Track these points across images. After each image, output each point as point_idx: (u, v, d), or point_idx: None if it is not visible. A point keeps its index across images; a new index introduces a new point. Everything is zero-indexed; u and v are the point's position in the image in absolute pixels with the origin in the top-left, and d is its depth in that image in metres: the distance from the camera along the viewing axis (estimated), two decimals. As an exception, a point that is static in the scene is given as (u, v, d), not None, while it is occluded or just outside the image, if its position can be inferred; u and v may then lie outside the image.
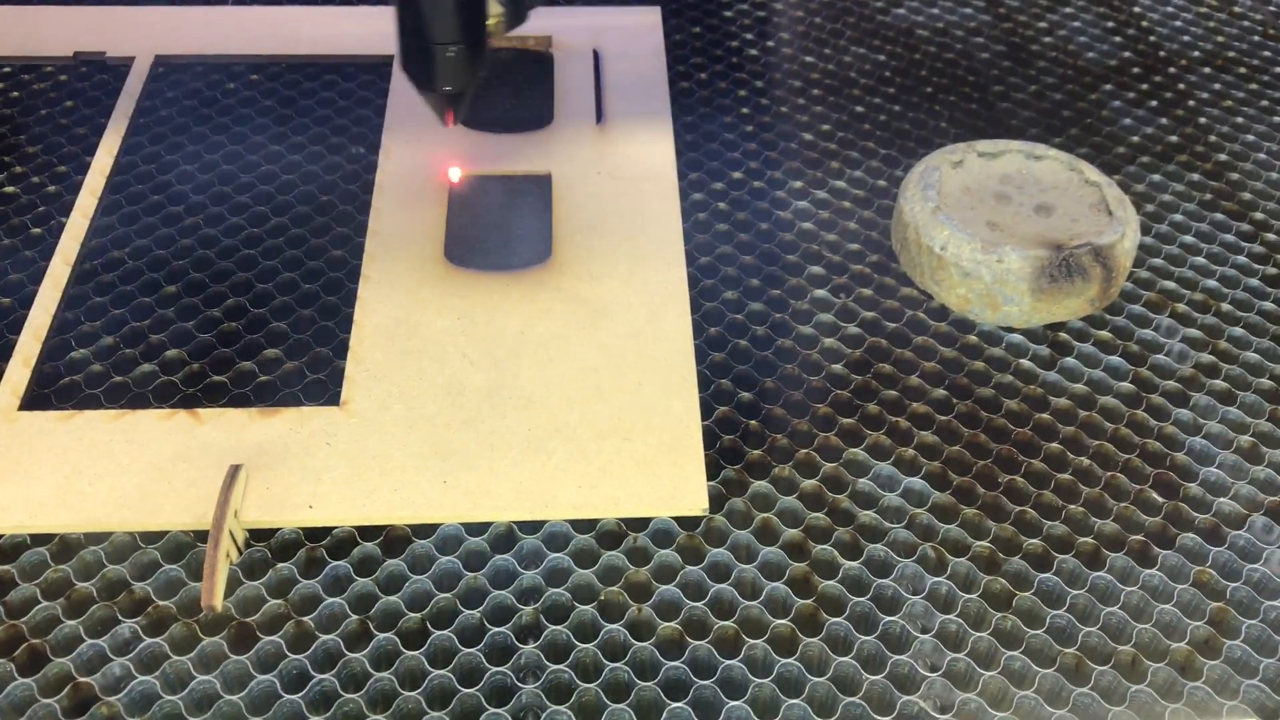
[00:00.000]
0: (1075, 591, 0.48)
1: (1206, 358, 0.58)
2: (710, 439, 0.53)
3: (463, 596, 0.47)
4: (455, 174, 0.63)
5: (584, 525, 0.50)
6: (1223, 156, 0.69)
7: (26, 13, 0.73)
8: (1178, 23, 0.79)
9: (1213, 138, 0.70)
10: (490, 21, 0.54)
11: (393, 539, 0.49)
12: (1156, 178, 0.67)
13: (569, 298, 0.57)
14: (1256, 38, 0.78)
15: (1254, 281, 0.61)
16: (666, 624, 0.47)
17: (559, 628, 0.46)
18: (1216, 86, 0.74)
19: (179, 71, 0.71)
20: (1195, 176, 0.67)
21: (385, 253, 0.59)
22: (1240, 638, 0.47)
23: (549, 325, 0.56)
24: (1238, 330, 0.59)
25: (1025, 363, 0.57)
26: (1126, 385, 0.56)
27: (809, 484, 0.52)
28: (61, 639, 0.45)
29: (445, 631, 0.46)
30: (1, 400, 0.52)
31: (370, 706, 0.44)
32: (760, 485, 0.51)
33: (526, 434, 0.51)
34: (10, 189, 0.64)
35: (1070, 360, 0.57)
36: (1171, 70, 0.75)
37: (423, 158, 0.64)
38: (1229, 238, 0.64)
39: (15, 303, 0.58)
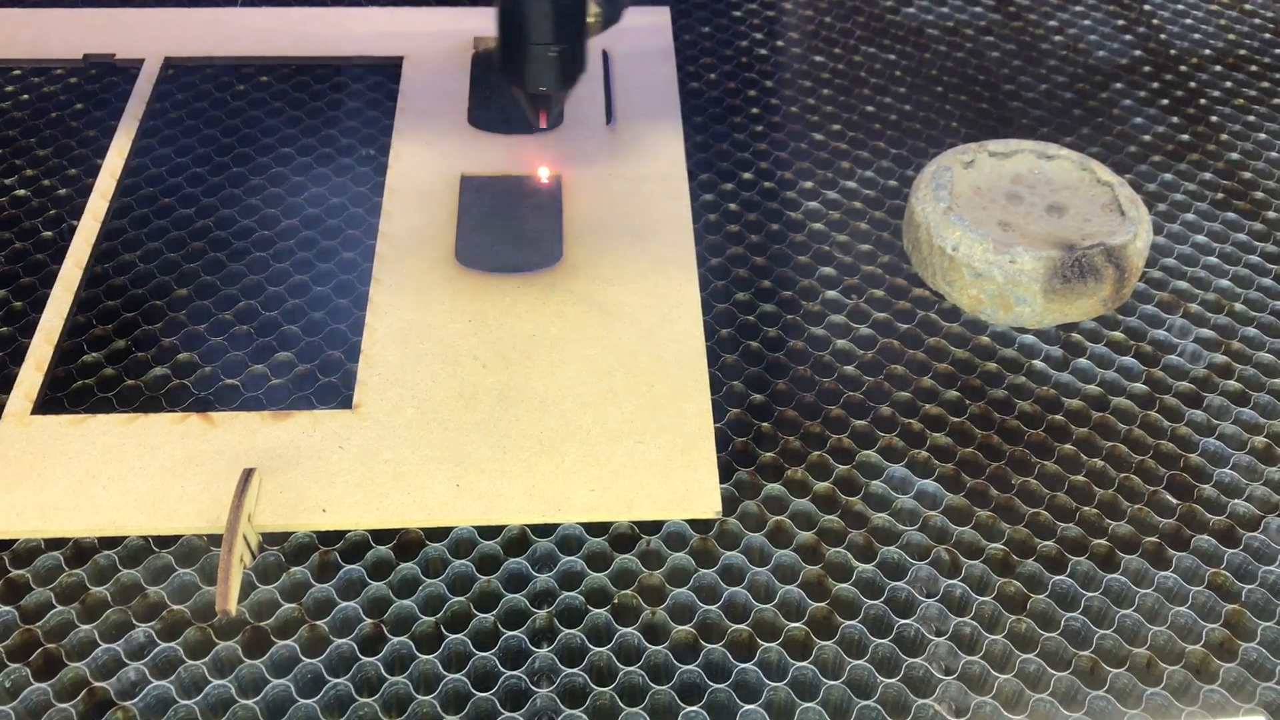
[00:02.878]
0: (1090, 594, 0.48)
1: (1220, 358, 0.57)
2: (723, 441, 0.53)
3: (476, 600, 0.47)
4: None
5: (597, 528, 0.50)
6: (1234, 155, 0.69)
7: (36, 15, 0.73)
8: (1188, 21, 0.79)
9: (1224, 136, 0.70)
10: (589, 20, 0.53)
11: (406, 542, 0.49)
12: (1168, 177, 0.67)
13: (580, 300, 0.57)
14: (1268, 35, 0.78)
15: (1267, 281, 0.61)
16: (680, 627, 0.47)
17: (573, 631, 0.46)
18: (1228, 85, 0.74)
19: (189, 73, 0.71)
20: (1207, 175, 0.67)
21: (396, 255, 0.59)
22: (1256, 640, 0.47)
23: (561, 327, 0.56)
24: (1251, 330, 0.59)
25: (1038, 364, 0.57)
26: (1139, 386, 0.56)
27: (822, 486, 0.51)
28: (76, 643, 0.46)
29: (459, 635, 0.46)
30: (15, 405, 0.52)
31: (385, 710, 0.44)
32: (773, 488, 0.51)
33: (539, 437, 0.51)
34: (21, 192, 0.64)
35: (1083, 361, 0.57)
36: (1182, 69, 0.75)
37: (433, 159, 0.64)
38: (1241, 237, 0.64)
39: (27, 306, 0.58)
